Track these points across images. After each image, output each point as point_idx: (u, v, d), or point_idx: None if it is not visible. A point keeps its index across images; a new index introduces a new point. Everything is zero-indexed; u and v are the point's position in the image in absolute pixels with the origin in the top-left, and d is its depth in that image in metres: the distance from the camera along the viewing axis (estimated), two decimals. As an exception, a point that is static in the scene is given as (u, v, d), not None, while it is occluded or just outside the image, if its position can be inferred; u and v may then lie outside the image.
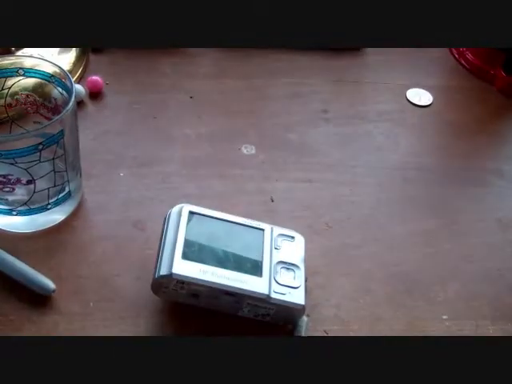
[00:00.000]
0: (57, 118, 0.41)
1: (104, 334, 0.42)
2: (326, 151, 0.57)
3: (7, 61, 0.45)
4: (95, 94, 0.60)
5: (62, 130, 0.42)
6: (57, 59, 0.59)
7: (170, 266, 0.40)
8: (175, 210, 0.44)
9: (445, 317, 0.45)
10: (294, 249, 0.44)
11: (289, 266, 0.43)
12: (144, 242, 0.47)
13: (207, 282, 0.40)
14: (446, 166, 0.57)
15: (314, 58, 0.67)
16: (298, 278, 0.42)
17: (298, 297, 0.41)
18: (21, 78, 0.46)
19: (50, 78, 0.45)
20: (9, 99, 0.47)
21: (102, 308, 0.43)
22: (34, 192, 0.44)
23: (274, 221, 0.47)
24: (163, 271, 0.40)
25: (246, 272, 0.41)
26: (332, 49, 0.67)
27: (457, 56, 0.69)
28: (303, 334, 0.42)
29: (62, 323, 0.42)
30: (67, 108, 0.42)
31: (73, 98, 0.43)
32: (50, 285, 0.43)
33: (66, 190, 0.47)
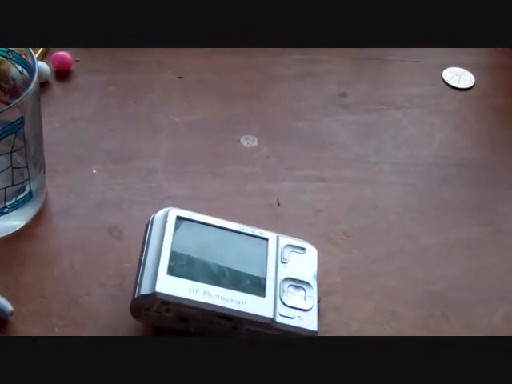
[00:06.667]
0: (15, 102, 0.42)
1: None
2: (343, 144, 0.57)
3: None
4: (62, 73, 0.60)
5: (21, 117, 0.42)
6: (16, 30, 0.59)
7: (153, 283, 0.40)
8: (160, 214, 0.44)
9: (489, 346, 0.45)
10: (304, 263, 0.44)
11: (298, 283, 0.43)
12: (121, 253, 0.47)
13: (198, 302, 0.40)
14: (491, 163, 0.57)
15: (330, 29, 0.67)
16: (309, 299, 0.42)
17: (309, 321, 0.41)
18: (-29, 53, 0.46)
19: (7, 53, 0.45)
20: (-44, 79, 0.47)
21: (70, 334, 0.43)
22: (-12, 192, 0.45)
23: (280, 228, 0.47)
24: (145, 290, 0.40)
25: (245, 291, 0.41)
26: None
27: (505, 28, 0.69)
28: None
29: (21, 352, 0.42)
30: (28, 90, 0.42)
31: (35, 78, 0.43)
32: (7, 306, 0.43)
33: (27, 190, 0.47)
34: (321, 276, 0.44)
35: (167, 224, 0.43)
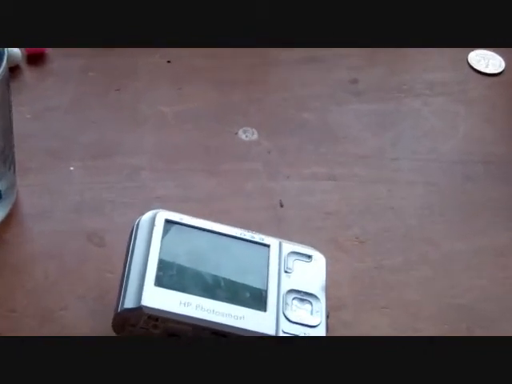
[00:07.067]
0: (-19, 89, 0.42)
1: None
2: (355, 137, 0.57)
3: None
4: (36, 57, 0.60)
5: (-12, 107, 0.42)
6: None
7: (139, 295, 0.40)
8: (146, 218, 0.43)
9: (521, 367, 0.45)
10: (310, 273, 0.44)
11: (304, 296, 0.43)
12: (103, 262, 0.47)
13: (190, 317, 0.40)
14: (524, 158, 0.57)
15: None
16: (316, 314, 0.42)
17: (316, 339, 0.41)
18: None
19: (-28, 33, 0.45)
20: None
21: (44, 354, 0.43)
22: (-50, 192, 0.44)
23: (283, 233, 0.47)
24: (129, 303, 0.40)
25: (244, 304, 0.41)
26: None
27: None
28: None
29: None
30: (-4, 76, 0.42)
31: (4, 63, 0.43)
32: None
33: (-5, 189, 0.47)
34: (330, 288, 0.44)
35: (155, 228, 0.43)
